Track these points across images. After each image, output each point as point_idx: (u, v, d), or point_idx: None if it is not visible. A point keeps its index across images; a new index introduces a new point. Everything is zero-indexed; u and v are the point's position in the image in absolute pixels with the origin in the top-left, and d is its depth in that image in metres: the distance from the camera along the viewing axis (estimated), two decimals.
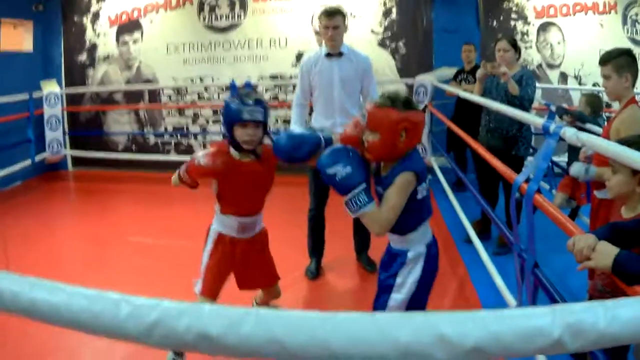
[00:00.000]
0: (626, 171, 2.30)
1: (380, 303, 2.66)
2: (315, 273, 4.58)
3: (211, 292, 3.13)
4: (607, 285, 2.51)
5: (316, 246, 4.67)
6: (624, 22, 7.96)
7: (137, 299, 0.89)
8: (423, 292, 2.66)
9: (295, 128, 4.32)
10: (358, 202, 2.39)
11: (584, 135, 2.51)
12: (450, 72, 7.19)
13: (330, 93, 4.40)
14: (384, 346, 0.78)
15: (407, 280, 2.59)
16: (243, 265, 3.21)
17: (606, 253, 1.80)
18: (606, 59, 3.27)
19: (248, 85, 7.76)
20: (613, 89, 3.28)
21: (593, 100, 4.86)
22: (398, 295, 2.60)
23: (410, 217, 2.52)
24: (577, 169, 3.25)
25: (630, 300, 0.78)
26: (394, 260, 2.64)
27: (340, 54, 4.40)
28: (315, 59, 4.44)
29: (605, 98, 5.55)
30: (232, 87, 7.74)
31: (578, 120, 4.45)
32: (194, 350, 0.85)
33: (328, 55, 4.40)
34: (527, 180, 2.95)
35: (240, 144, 2.96)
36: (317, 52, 4.50)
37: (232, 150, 3.02)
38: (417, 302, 2.63)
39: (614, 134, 3.12)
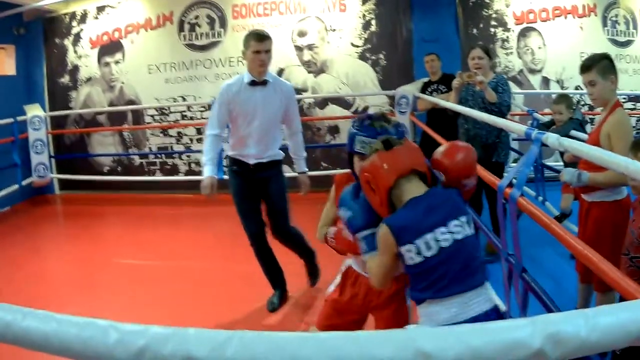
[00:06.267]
0: None
1: None
2: (277, 304, 4.23)
3: (324, 325, 2.73)
4: None
5: (271, 274, 4.31)
6: (604, 24, 8.04)
7: (124, 326, 0.90)
8: None
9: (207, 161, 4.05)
10: (362, 247, 2.14)
11: (565, 141, 2.53)
12: None
13: (251, 123, 4.02)
14: None
15: None
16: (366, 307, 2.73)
17: None
18: (589, 65, 3.19)
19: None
20: (600, 94, 3.20)
21: (568, 102, 4.90)
22: None
23: (414, 285, 2.06)
24: (569, 175, 3.18)
25: (610, 308, 0.79)
26: None
27: (264, 82, 4.00)
28: (237, 87, 4.00)
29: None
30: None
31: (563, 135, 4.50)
32: None
33: (252, 83, 3.99)
34: (511, 185, 2.97)
35: None
36: (239, 80, 4.04)
37: None
38: None
39: (605, 139, 3.09)
